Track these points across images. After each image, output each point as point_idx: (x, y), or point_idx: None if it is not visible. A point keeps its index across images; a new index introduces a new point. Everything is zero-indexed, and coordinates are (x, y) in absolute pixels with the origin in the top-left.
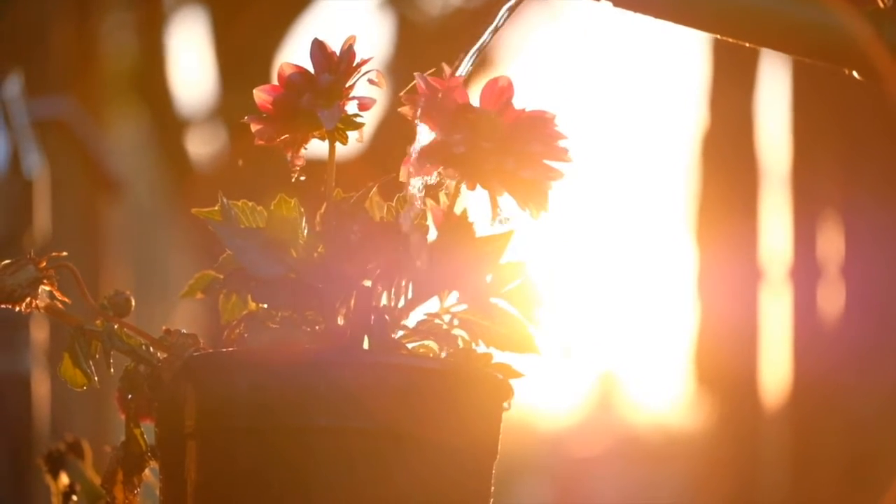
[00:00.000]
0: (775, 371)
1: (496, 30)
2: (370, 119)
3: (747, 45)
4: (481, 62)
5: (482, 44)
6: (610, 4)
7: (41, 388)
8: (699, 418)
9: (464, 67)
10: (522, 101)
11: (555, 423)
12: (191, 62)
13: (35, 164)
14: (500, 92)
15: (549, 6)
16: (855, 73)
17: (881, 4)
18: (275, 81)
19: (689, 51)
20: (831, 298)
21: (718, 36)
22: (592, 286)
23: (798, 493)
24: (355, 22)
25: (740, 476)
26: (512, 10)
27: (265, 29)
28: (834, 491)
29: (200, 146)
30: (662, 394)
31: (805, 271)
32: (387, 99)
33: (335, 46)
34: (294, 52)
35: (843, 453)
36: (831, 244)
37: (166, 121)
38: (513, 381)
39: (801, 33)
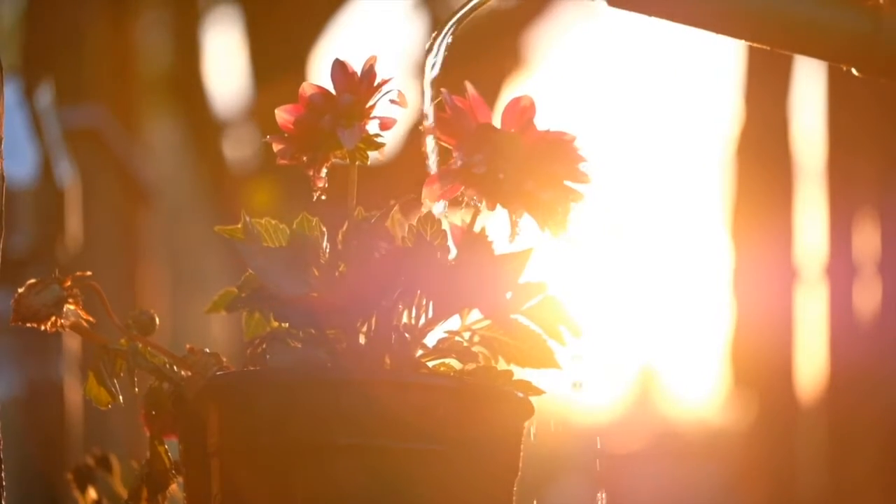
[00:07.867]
0: (811, 367)
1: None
2: (396, 133)
3: (744, 42)
4: (514, 59)
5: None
6: (605, 3)
7: (74, 395)
8: (737, 414)
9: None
10: (546, 119)
11: (594, 420)
12: (224, 66)
13: (67, 174)
14: (522, 112)
15: (583, 5)
16: (854, 70)
17: (879, 0)
18: (307, 84)
19: (724, 48)
20: (867, 295)
21: (715, 33)
22: (631, 283)
23: (835, 488)
24: (388, 23)
25: (778, 471)
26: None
27: (299, 30)
28: (871, 486)
29: (235, 149)
30: (700, 390)
31: (841, 268)
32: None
33: (357, 66)
34: (328, 54)
35: (880, 449)
36: (867, 241)
37: (200, 124)
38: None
39: (798, 30)
